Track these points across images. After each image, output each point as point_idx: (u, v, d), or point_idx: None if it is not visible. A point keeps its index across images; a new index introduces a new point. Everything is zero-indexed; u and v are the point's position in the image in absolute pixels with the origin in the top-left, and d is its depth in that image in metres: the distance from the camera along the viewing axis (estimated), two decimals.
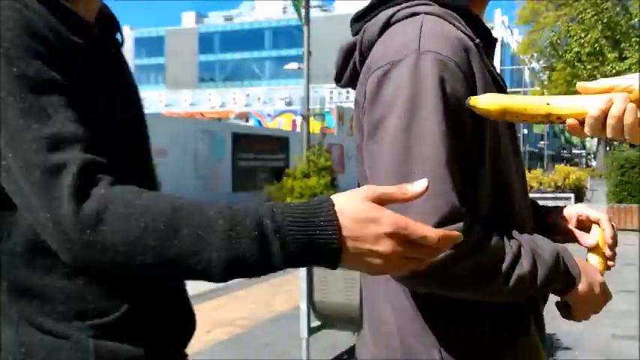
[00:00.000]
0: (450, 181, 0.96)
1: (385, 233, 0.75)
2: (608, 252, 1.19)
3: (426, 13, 1.05)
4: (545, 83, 43.27)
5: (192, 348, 3.77)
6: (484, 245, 0.98)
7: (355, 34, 1.14)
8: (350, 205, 0.75)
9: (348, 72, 1.17)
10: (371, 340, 1.14)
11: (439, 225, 0.91)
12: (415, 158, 0.96)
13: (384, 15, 1.08)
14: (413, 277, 0.96)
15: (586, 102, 0.94)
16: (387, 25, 1.07)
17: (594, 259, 1.17)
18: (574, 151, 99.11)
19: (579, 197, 12.12)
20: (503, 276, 1.00)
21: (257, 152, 23.47)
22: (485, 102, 0.93)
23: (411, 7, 1.07)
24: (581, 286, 1.08)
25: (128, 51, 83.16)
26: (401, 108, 0.97)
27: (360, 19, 1.15)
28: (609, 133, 0.92)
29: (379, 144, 1.00)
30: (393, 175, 0.96)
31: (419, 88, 0.96)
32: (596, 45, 21.22)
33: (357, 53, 1.12)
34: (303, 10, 20.68)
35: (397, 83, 0.98)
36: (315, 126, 29.14)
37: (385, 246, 0.75)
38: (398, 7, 1.08)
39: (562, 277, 1.07)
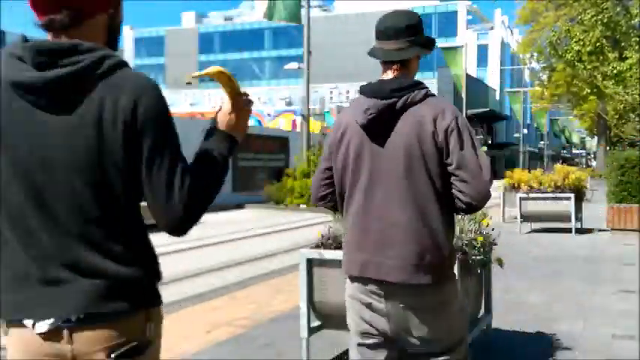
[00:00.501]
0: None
1: (231, 106, 1.67)
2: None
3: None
4: (545, 83, 43.25)
5: (192, 348, 3.80)
6: None
7: (390, 97, 2.21)
8: (218, 116, 1.67)
9: (384, 110, 2.22)
10: (427, 254, 2.19)
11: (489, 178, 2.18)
12: (478, 146, 2.20)
13: (420, 93, 2.21)
14: (476, 208, 2.20)
15: None
16: (426, 96, 2.22)
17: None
18: (574, 151, 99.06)
19: (579, 197, 12.09)
20: None
21: (257, 152, 23.45)
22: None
23: (428, 91, 2.25)
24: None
25: (128, 51, 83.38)
26: (467, 129, 2.21)
27: (398, 91, 2.20)
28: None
29: (466, 142, 2.16)
30: (473, 150, 2.17)
31: (466, 123, 2.24)
32: (598, 44, 21.14)
33: (400, 104, 2.20)
34: (303, 11, 20.67)
35: (462, 122, 2.21)
36: (315, 126, 29.12)
37: (239, 111, 1.68)
38: (425, 89, 2.24)
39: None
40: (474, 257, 3.84)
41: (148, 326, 1.49)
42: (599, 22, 20.79)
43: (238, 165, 22.33)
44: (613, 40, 22.69)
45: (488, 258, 4.26)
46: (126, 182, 1.44)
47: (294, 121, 47.14)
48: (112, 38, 1.56)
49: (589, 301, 6.08)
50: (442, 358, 2.23)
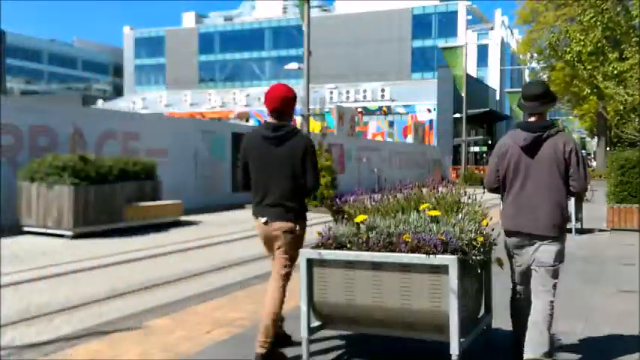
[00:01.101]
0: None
1: None
2: None
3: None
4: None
5: (192, 348, 3.79)
6: None
7: (538, 132, 4.02)
8: None
9: (535, 139, 4.00)
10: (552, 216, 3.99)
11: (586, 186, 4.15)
12: (584, 162, 4.05)
13: (554, 130, 4.03)
14: (579, 193, 4.18)
15: None
16: (557, 132, 4.03)
17: None
18: None
19: (579, 197, 12.05)
20: None
21: None
22: None
23: (559, 129, 4.07)
24: None
25: (128, 51, 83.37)
26: (580, 152, 4.06)
27: (543, 129, 4.01)
28: None
29: (580, 160, 4.00)
30: (583, 165, 4.01)
31: (580, 148, 4.08)
32: (599, 44, 21.09)
33: (545, 135, 4.00)
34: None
35: (578, 148, 4.04)
36: (315, 126, 29.10)
37: None
38: (557, 127, 4.06)
39: None
40: (473, 257, 3.84)
41: (299, 226, 4.22)
42: (599, 23, 20.75)
43: (238, 165, 22.25)
44: (613, 41, 22.67)
45: (488, 258, 4.26)
46: (301, 174, 4.18)
47: (294, 122, 47.20)
48: (290, 119, 4.33)
49: (589, 301, 6.08)
50: (552, 268, 4.04)
